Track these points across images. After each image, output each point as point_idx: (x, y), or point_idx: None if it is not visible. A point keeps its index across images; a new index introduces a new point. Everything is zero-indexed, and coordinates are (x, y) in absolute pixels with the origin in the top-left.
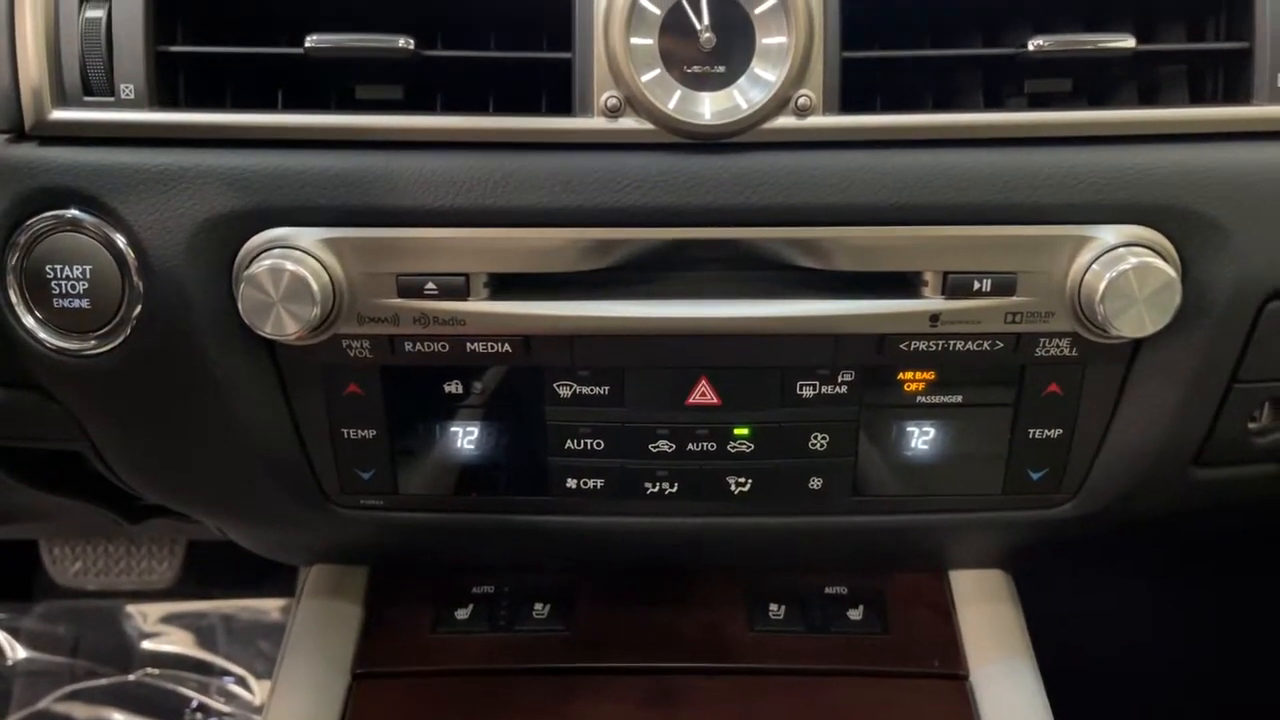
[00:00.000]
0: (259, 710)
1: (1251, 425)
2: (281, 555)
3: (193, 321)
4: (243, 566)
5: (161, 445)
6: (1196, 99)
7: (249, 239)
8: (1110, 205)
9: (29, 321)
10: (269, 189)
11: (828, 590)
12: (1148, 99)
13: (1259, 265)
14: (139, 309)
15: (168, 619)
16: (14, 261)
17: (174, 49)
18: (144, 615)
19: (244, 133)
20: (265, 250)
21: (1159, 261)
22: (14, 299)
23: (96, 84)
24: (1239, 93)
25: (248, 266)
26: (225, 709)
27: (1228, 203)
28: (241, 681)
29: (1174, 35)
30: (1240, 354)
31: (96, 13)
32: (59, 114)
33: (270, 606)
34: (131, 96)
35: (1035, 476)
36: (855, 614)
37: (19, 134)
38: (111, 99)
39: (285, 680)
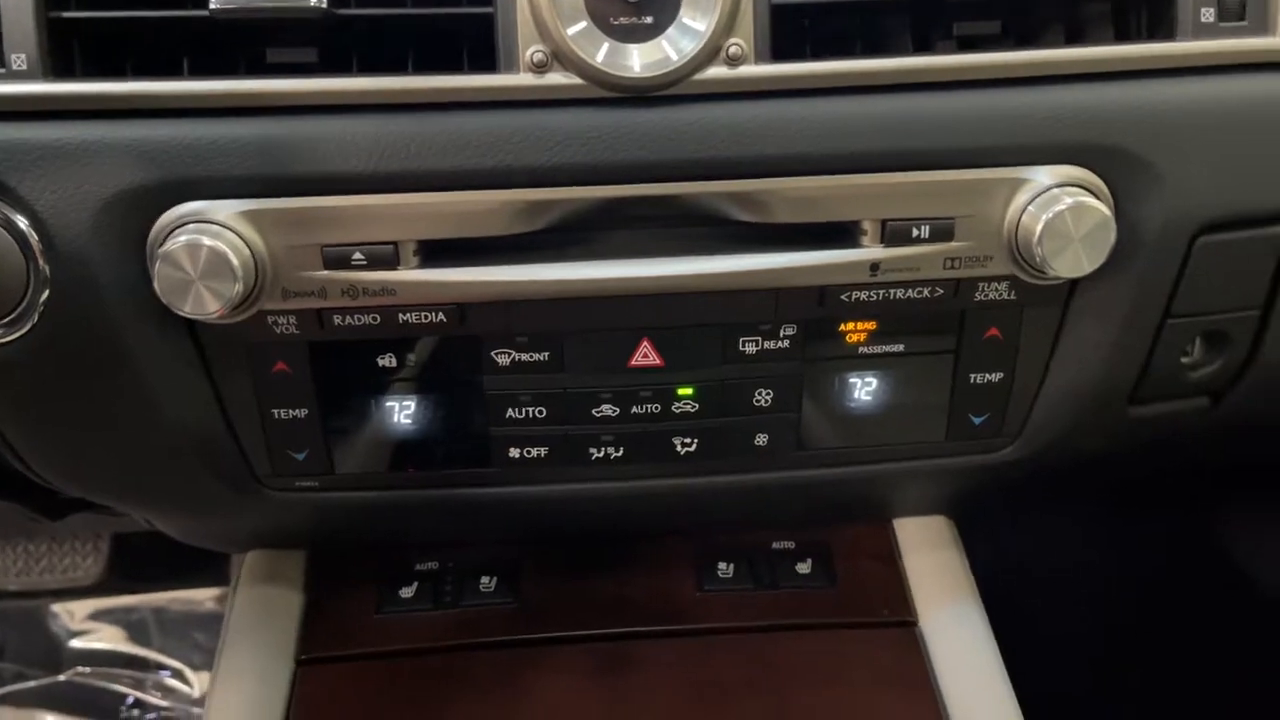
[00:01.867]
0: (198, 703)
1: (1184, 360)
2: (213, 543)
3: (105, 304)
4: (172, 557)
5: (80, 437)
6: (1122, 37)
7: (161, 215)
8: (1043, 146)
9: None
10: (179, 161)
11: (774, 546)
12: (1075, 39)
13: (1189, 200)
14: (46, 294)
15: (96, 615)
16: None
17: (67, 15)
18: (70, 613)
19: (149, 102)
20: (180, 226)
21: (1094, 201)
22: None
23: None
24: (1163, 29)
25: (162, 244)
26: (163, 704)
27: (1156, 139)
28: (178, 675)
29: None
30: (1172, 290)
31: None
32: None
33: (204, 597)
34: (24, 67)
35: (978, 421)
36: (803, 567)
37: None
38: (2, 70)
39: (226, 670)
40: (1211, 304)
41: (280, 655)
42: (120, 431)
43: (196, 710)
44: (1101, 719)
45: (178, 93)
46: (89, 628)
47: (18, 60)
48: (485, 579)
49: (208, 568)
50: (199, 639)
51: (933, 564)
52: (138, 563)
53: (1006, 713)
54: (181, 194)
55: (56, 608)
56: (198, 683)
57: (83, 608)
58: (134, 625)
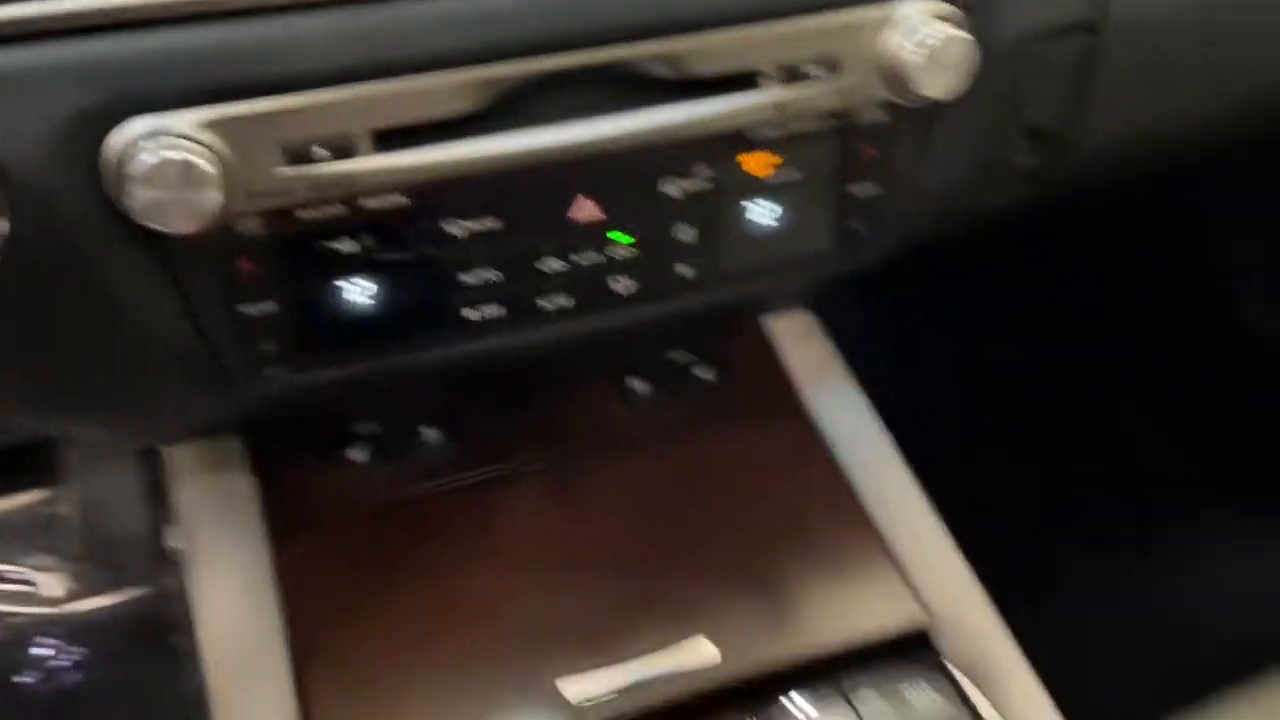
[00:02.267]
0: (59, 602)
1: (1016, 154)
2: (154, 441)
3: (67, 233)
4: None
5: (50, 371)
6: None
7: (116, 130)
8: None
9: None
10: (130, 75)
11: (670, 357)
12: None
13: (1023, 12)
14: (7, 226)
15: None
16: None
17: None
18: None
19: (88, 19)
20: (144, 141)
21: (957, 30)
22: None
23: None
24: None
25: (129, 164)
26: (23, 610)
27: None
28: (24, 580)
29: None
30: (1010, 94)
31: None
32: None
33: (29, 500)
34: None
35: (859, 229)
36: (704, 373)
37: None
38: None
39: (205, 570)
40: (1035, 104)
41: (251, 541)
42: (88, 350)
43: (56, 611)
44: (971, 461)
45: (119, 5)
46: None
47: None
48: (425, 429)
49: (25, 470)
50: (40, 541)
51: (806, 353)
52: None
53: (895, 471)
54: (133, 108)
55: None
56: (55, 584)
57: None
58: None
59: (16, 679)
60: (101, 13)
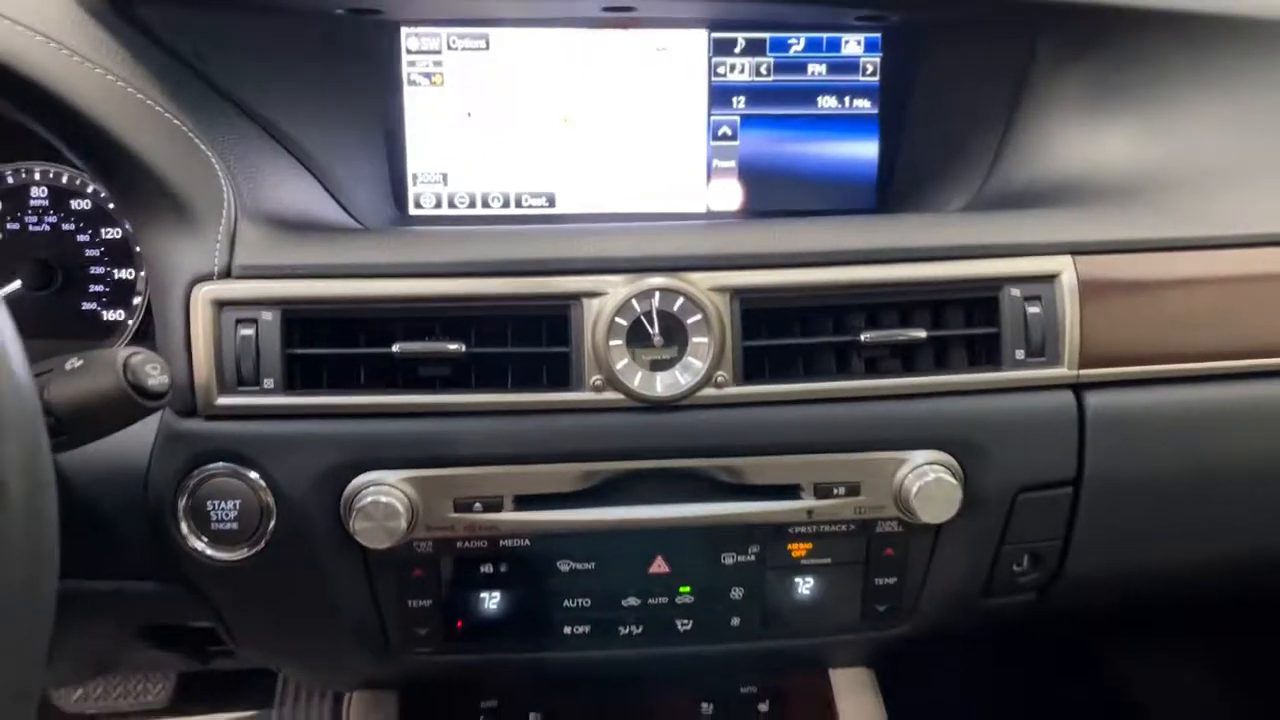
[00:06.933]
0: None
1: (1015, 569)
2: (335, 686)
3: (311, 536)
4: (222, 689)
5: (278, 621)
6: (974, 363)
7: (353, 480)
8: (917, 439)
9: (197, 544)
10: (366, 447)
11: (742, 690)
12: (941, 362)
13: (1011, 472)
14: (272, 526)
15: None
16: (184, 501)
17: (298, 351)
18: None
19: (349, 409)
20: (366, 488)
21: (947, 474)
22: (185, 528)
23: (247, 378)
24: (994, 361)
25: (356, 500)
26: None
27: (989, 434)
28: None
29: (955, 323)
30: (1004, 527)
31: (248, 331)
32: (221, 400)
33: (247, 718)
34: (272, 386)
35: (881, 609)
36: (764, 707)
37: (191, 412)
38: (257, 388)
39: None
40: (1029, 536)
41: None
42: (305, 617)
43: None
44: None
45: (364, 404)
46: None
47: (269, 381)
48: (533, 714)
49: (254, 694)
50: None
51: (857, 703)
52: (196, 692)
53: None
54: (365, 468)
55: None
56: None
57: None
58: None
59: None
60: (352, 406)
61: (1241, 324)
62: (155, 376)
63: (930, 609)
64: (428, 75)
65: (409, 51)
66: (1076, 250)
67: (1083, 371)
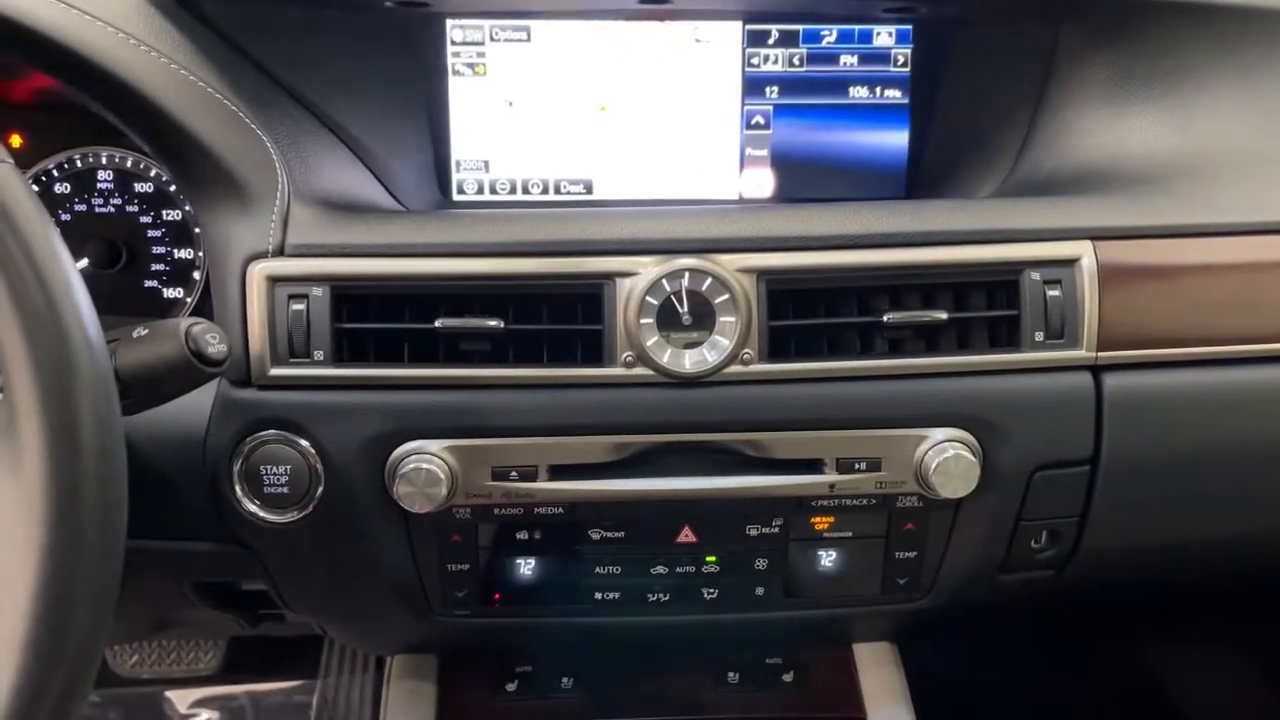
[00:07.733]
0: None
1: (1034, 545)
2: (377, 650)
3: (356, 500)
4: (272, 656)
5: (325, 581)
6: (994, 345)
7: (397, 448)
8: (937, 416)
9: (250, 506)
10: (409, 417)
11: (767, 661)
12: (962, 343)
13: (1029, 450)
14: (320, 490)
15: (200, 702)
16: (238, 465)
17: (347, 325)
18: (181, 699)
19: (393, 380)
20: (409, 455)
21: (966, 452)
22: (239, 491)
23: (298, 350)
24: (1014, 342)
25: (399, 466)
26: None
27: (1007, 413)
28: None
29: (976, 305)
30: (1021, 504)
31: (299, 306)
32: (274, 370)
33: (292, 688)
34: (322, 358)
35: (901, 582)
36: (788, 678)
37: (246, 383)
38: (308, 359)
39: None
40: (1046, 512)
41: None
42: (350, 578)
43: None
44: None
45: (408, 376)
46: (194, 712)
47: (319, 354)
48: (565, 679)
49: (299, 664)
50: None
51: (879, 676)
52: (245, 661)
53: None
54: (409, 436)
55: (170, 694)
56: None
57: (191, 695)
58: (233, 711)
59: None
60: (398, 379)
61: (1258, 309)
62: (215, 345)
63: (950, 583)
64: (471, 65)
65: (454, 43)
66: (1096, 236)
67: (1101, 354)
